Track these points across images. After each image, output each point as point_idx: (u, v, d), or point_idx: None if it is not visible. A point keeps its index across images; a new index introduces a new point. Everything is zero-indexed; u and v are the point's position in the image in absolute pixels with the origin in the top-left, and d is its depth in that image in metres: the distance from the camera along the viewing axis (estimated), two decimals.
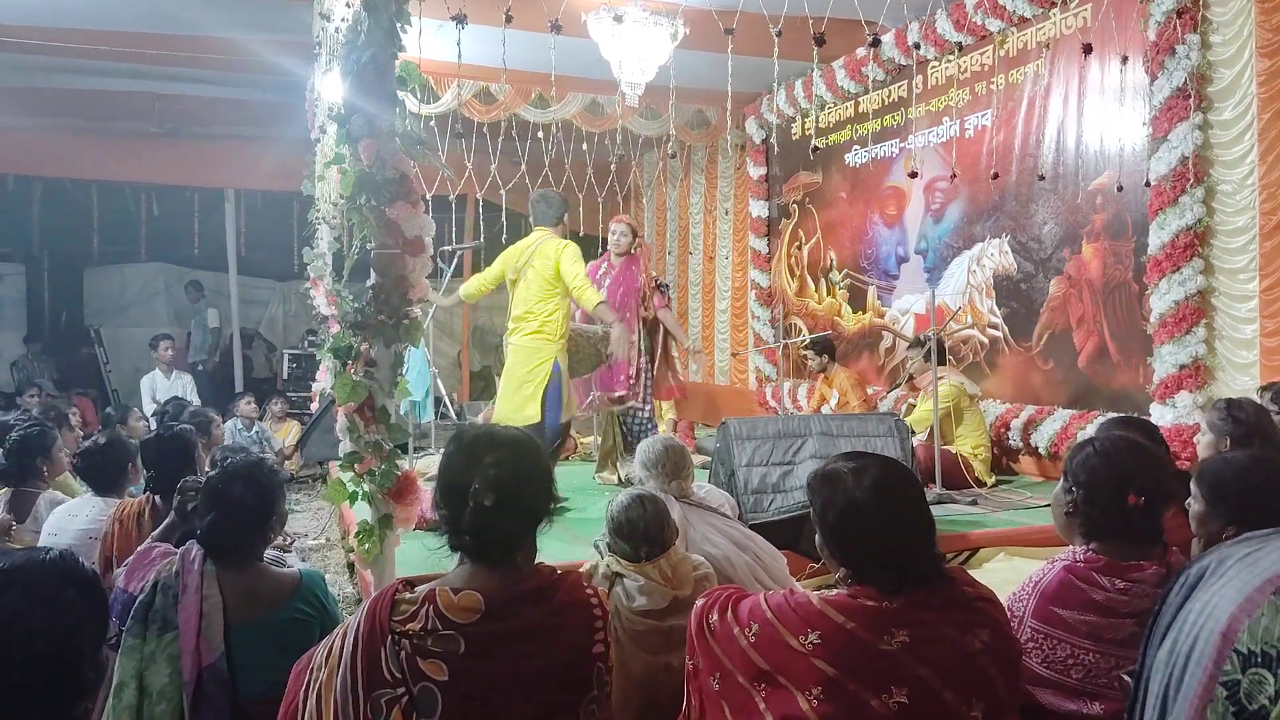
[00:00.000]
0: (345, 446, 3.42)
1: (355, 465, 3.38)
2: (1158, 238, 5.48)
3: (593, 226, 10.13)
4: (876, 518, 1.85)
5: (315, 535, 6.22)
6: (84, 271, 13.13)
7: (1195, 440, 4.38)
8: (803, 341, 8.35)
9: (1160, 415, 5.42)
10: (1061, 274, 6.53)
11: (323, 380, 8.21)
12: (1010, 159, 6.89)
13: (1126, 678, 1.89)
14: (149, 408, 8.82)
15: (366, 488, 3.39)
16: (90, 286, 13.20)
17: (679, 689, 2.07)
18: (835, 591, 1.88)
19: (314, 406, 8.77)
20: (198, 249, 12.35)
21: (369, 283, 3.43)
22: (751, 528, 3.85)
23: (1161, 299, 5.46)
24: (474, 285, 6.04)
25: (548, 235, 5.76)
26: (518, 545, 1.81)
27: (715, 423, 6.00)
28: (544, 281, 5.62)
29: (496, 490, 1.76)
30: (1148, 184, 5.51)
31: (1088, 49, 5.38)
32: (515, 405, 5.54)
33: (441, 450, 6.63)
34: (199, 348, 12.20)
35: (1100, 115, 6.16)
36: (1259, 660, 1.17)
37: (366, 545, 3.38)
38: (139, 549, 2.77)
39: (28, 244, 12.60)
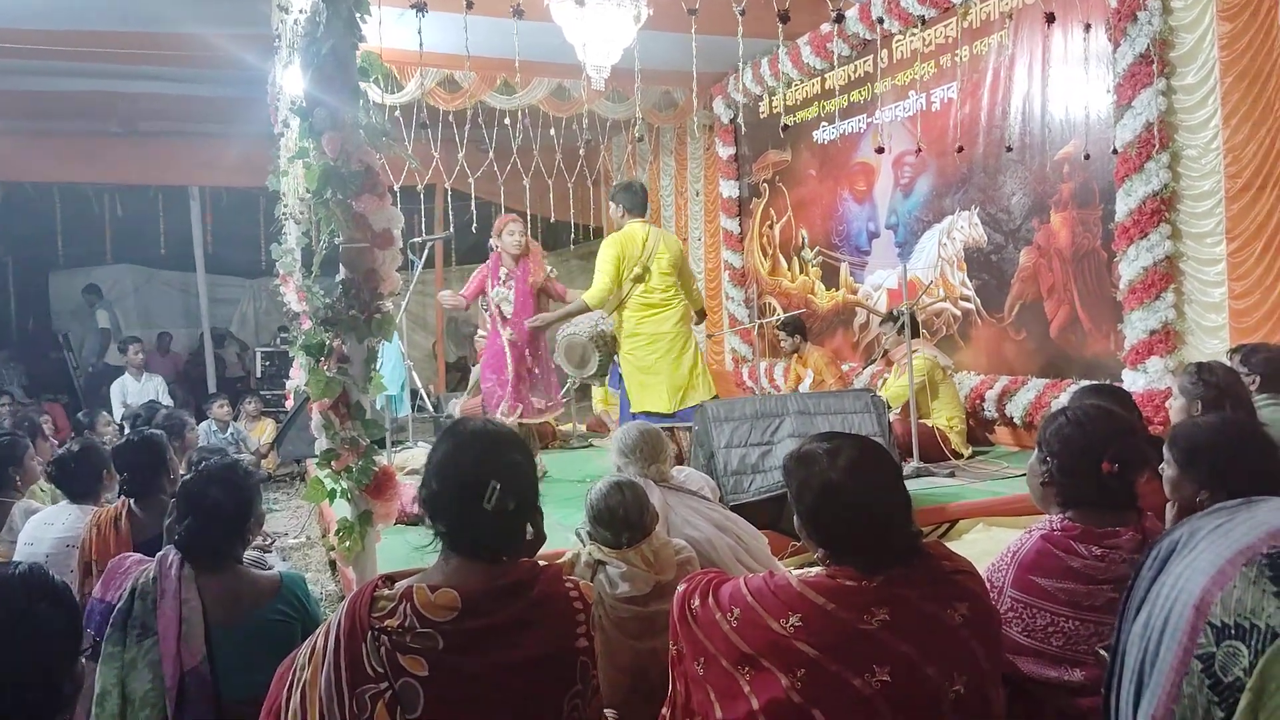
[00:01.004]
0: (321, 444, 3.40)
1: (332, 462, 3.36)
2: (1125, 204, 5.51)
3: (563, 213, 10.13)
4: (852, 498, 1.86)
5: (295, 534, 6.19)
6: (49, 275, 12.96)
7: (1167, 405, 4.43)
8: (776, 321, 8.37)
9: (1132, 381, 5.47)
10: (1031, 244, 6.57)
11: (297, 377, 8.16)
12: (977, 131, 6.91)
13: (1103, 652, 1.90)
14: (119, 412, 8.74)
15: (345, 485, 3.37)
16: (56, 290, 13.04)
17: (664, 674, 2.07)
18: (815, 572, 1.89)
19: (289, 404, 8.71)
20: (164, 249, 12.22)
21: (339, 278, 3.40)
22: (733, 509, 3.86)
23: (1130, 265, 5.50)
24: (603, 294, 5.86)
25: (650, 226, 5.97)
26: (519, 541, 1.81)
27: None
28: (672, 271, 5.84)
29: (519, 491, 1.77)
30: (1114, 151, 5.54)
31: (1050, 18, 5.40)
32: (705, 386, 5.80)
33: (420, 443, 6.60)
34: (91, 350, 12.03)
35: (1065, 84, 6.18)
36: (1232, 632, 1.17)
37: (347, 542, 3.37)
38: (113, 559, 2.75)
39: None
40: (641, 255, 5.80)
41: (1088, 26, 5.70)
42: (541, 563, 1.87)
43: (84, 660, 1.64)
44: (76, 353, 12.09)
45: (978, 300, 7.11)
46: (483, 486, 1.73)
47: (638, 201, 6.03)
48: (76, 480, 3.73)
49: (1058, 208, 6.32)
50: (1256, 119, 4.92)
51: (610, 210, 6.20)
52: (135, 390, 9.26)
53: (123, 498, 3.55)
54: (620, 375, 6.07)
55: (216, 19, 7.67)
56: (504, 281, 6.63)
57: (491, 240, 6.81)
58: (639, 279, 5.80)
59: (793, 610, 1.79)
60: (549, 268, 6.95)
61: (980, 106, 6.88)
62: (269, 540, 4.47)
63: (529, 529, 1.82)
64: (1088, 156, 5.79)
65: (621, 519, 2.80)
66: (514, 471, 1.78)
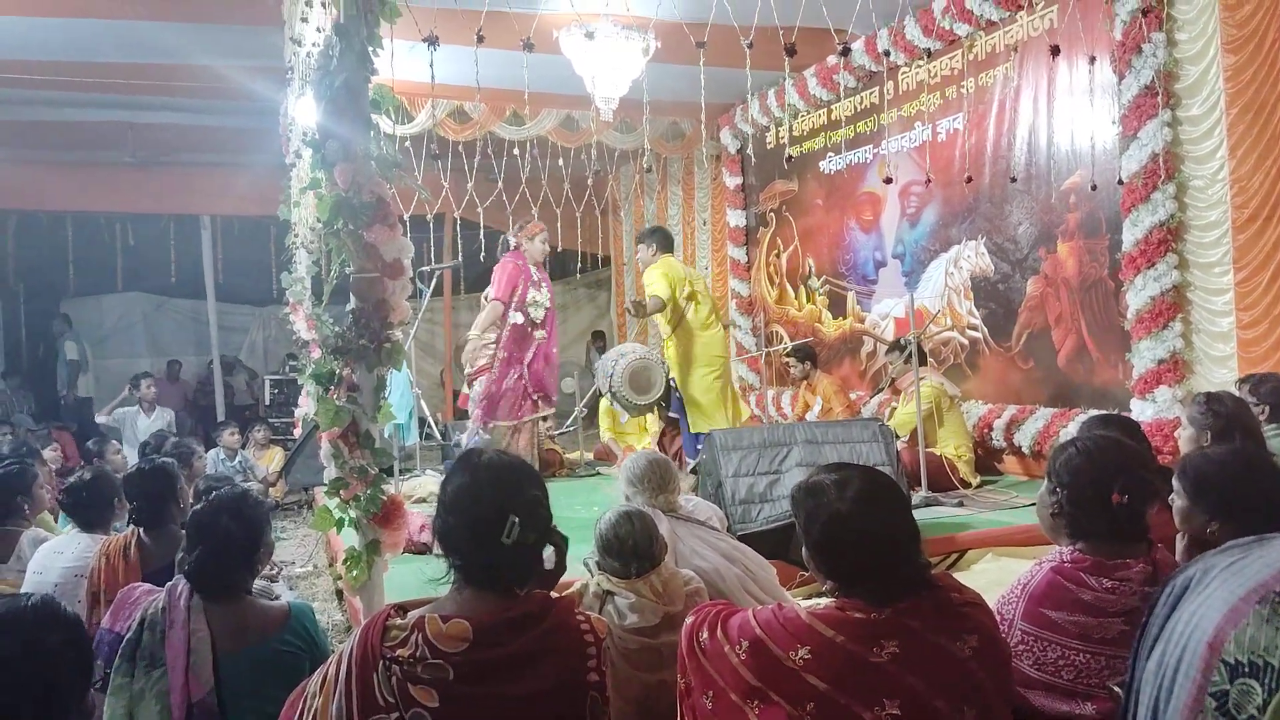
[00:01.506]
0: (330, 473, 3.40)
1: (341, 491, 3.36)
2: (1131, 234, 5.52)
3: (571, 242, 10.18)
4: (861, 529, 1.86)
5: (302, 563, 6.18)
6: (61, 303, 13.05)
7: (1176, 435, 4.41)
8: (784, 349, 8.37)
9: (1141, 410, 5.46)
10: (1038, 274, 6.57)
11: (305, 406, 8.17)
12: (983, 161, 6.94)
13: (1116, 689, 1.89)
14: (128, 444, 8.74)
15: (353, 514, 3.37)
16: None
17: (673, 707, 2.06)
18: (824, 604, 1.88)
19: (297, 432, 8.72)
20: (174, 277, 12.31)
21: (349, 307, 3.42)
22: (740, 538, 3.86)
23: (1138, 295, 5.51)
24: (664, 295, 6.34)
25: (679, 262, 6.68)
26: (534, 574, 1.81)
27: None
28: (709, 295, 6.50)
29: (540, 524, 1.78)
30: (1120, 182, 5.56)
31: (1055, 50, 5.42)
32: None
33: (428, 471, 6.59)
34: (62, 381, 12.05)
35: (1070, 115, 6.21)
36: (1246, 670, 1.17)
37: (355, 572, 3.36)
38: (123, 589, 2.75)
39: (4, 277, 12.54)
40: (686, 276, 6.39)
41: (1092, 59, 5.73)
42: (553, 594, 1.87)
43: (93, 691, 1.64)
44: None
45: (985, 329, 7.11)
46: (500, 521, 1.73)
47: (668, 240, 6.67)
48: (87, 509, 3.72)
49: (1064, 237, 6.33)
50: (1262, 150, 4.94)
51: (640, 253, 6.68)
52: (145, 426, 9.25)
53: (132, 527, 3.55)
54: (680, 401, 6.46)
55: (229, 51, 7.76)
56: (536, 283, 6.84)
57: (516, 239, 6.97)
58: (690, 298, 6.33)
59: (802, 643, 1.78)
60: None
61: (986, 137, 6.92)
62: (275, 569, 4.46)
63: (551, 558, 1.82)
64: (1094, 187, 5.81)
65: (631, 549, 2.80)
66: (533, 506, 1.79)
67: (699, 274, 6.56)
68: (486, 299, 7.08)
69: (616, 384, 6.34)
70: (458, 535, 1.79)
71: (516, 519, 1.73)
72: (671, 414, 6.65)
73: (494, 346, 7.00)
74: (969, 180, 6.65)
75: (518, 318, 6.88)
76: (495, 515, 1.74)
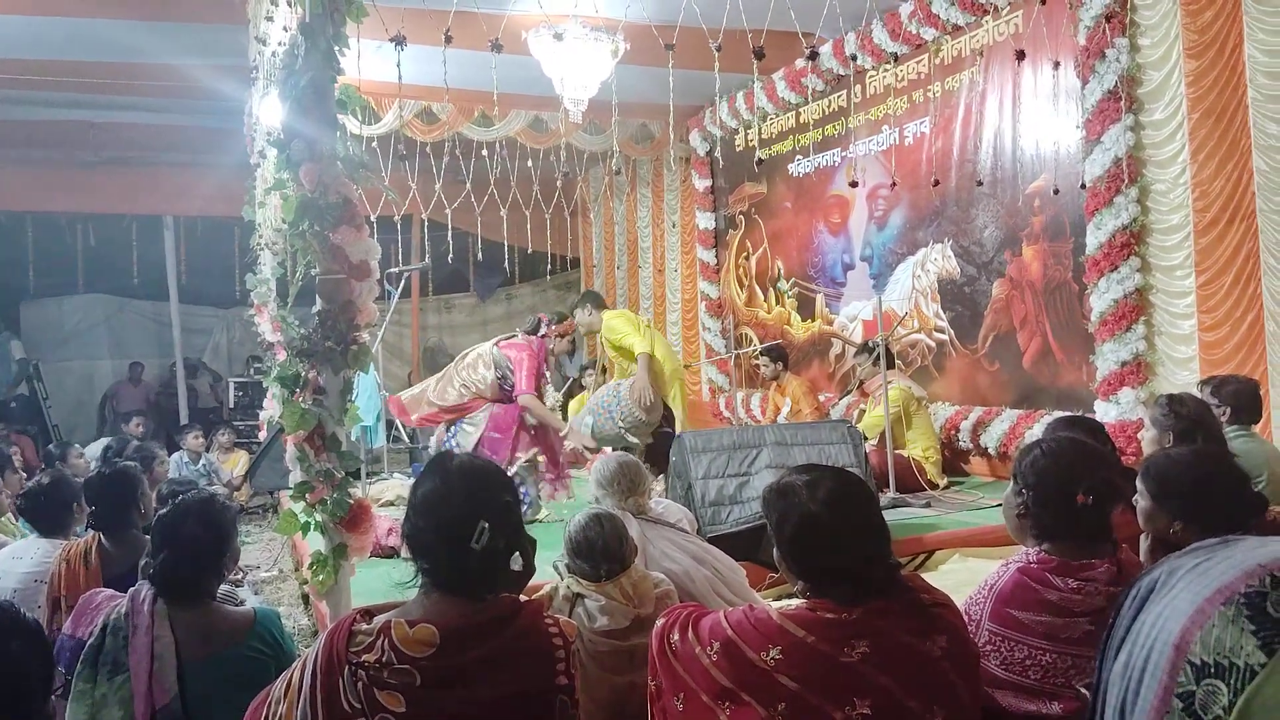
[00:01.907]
0: (296, 476, 3.37)
1: (306, 495, 3.32)
2: (1095, 238, 5.59)
3: (540, 244, 10.15)
4: (832, 530, 1.86)
5: (268, 567, 6.12)
6: (20, 305, 12.84)
7: (1139, 436, 4.47)
8: (754, 351, 8.40)
9: (1104, 412, 5.52)
10: (1003, 276, 6.64)
11: (270, 408, 8.09)
12: (949, 165, 7.00)
13: (1084, 690, 1.91)
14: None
15: (319, 518, 3.34)
16: (27, 320, 12.91)
17: (643, 709, 2.06)
18: (795, 605, 1.89)
19: (262, 435, 8.64)
20: (136, 278, 12.15)
21: (315, 309, 3.39)
22: (710, 540, 3.86)
23: (1101, 298, 5.57)
24: (647, 344, 6.54)
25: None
26: (502, 579, 1.80)
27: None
28: None
29: (510, 529, 1.76)
30: (1083, 186, 5.62)
31: (1020, 55, 5.49)
32: None
33: (395, 475, 6.52)
34: (3, 380, 11.86)
35: (1035, 120, 6.28)
36: (1212, 671, 1.18)
37: (321, 576, 3.33)
38: (84, 594, 2.70)
39: None
40: (637, 316, 6.98)
41: (1057, 64, 5.80)
42: (522, 598, 1.85)
43: (54, 698, 1.61)
44: (46, 383, 11.92)
45: (952, 331, 7.16)
46: (470, 525, 1.72)
47: (601, 299, 7.20)
48: (46, 513, 3.66)
49: (1029, 240, 6.40)
50: (1223, 154, 5.01)
51: (581, 316, 6.74)
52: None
53: (92, 532, 3.49)
54: None
55: (193, 50, 7.67)
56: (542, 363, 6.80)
57: (548, 330, 6.84)
58: (648, 325, 6.79)
59: (773, 643, 1.79)
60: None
61: (952, 141, 6.98)
62: (240, 574, 4.40)
63: (519, 560, 1.81)
64: (1057, 191, 5.87)
65: (600, 551, 2.79)
66: (504, 511, 1.77)
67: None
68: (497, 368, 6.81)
69: (628, 410, 6.22)
70: (427, 539, 1.77)
71: (487, 524, 1.72)
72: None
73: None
74: (936, 184, 6.71)
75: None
76: (466, 519, 1.73)
